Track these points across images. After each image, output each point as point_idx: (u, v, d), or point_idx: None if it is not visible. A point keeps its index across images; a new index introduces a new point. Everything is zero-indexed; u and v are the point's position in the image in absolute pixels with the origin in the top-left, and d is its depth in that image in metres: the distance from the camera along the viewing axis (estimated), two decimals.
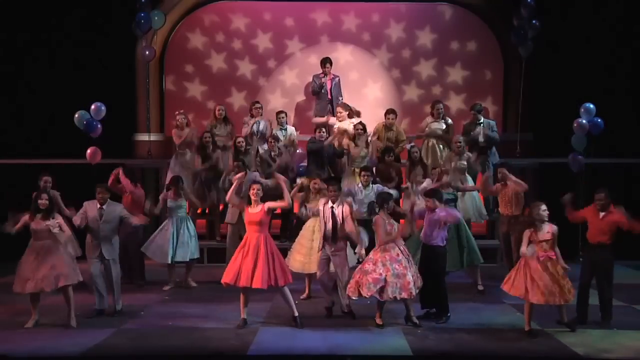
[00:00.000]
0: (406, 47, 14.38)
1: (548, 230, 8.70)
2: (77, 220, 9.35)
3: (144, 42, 13.41)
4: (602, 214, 8.91)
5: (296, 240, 10.31)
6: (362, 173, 11.04)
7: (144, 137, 13.77)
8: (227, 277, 8.84)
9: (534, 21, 12.85)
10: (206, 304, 10.05)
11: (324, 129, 12.26)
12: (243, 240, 8.97)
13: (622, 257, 9.19)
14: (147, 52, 13.36)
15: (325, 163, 12.09)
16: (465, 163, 11.75)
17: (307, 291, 10.33)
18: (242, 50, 14.36)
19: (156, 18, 13.09)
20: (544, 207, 8.73)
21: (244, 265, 8.74)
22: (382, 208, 9.02)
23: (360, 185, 11.00)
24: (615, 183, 12.94)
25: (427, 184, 10.69)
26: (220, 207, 12.37)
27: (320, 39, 14.37)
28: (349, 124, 12.54)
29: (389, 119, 12.56)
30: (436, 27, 14.35)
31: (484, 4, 14.15)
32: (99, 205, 9.37)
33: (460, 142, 11.88)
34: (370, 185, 10.93)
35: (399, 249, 8.93)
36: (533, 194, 12.93)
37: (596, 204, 8.97)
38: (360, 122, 12.33)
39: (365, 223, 9.68)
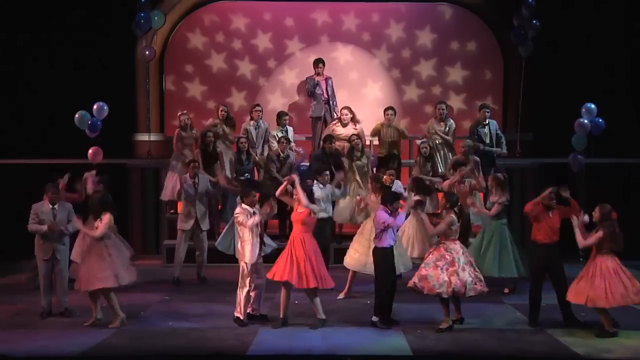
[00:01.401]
0: (406, 47, 14.38)
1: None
2: (33, 228, 9.28)
3: (144, 42, 13.40)
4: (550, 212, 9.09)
5: (355, 239, 10.29)
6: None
7: (144, 137, 13.77)
8: (299, 282, 8.82)
9: (534, 21, 12.85)
10: (206, 304, 10.05)
11: (333, 140, 12.07)
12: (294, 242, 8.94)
13: (622, 257, 9.16)
14: (147, 52, 13.36)
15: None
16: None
17: (346, 288, 10.30)
18: (242, 50, 14.36)
19: (156, 18, 13.09)
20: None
21: (307, 266, 8.80)
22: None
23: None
24: (616, 183, 13.03)
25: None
26: (219, 207, 12.38)
27: (320, 39, 14.37)
28: (351, 129, 12.51)
29: (388, 115, 12.57)
30: (436, 27, 14.34)
31: (484, 4, 14.15)
32: (50, 206, 9.30)
33: (466, 147, 11.90)
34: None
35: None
36: (533, 195, 12.98)
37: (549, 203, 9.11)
38: (354, 134, 12.22)
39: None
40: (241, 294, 9.02)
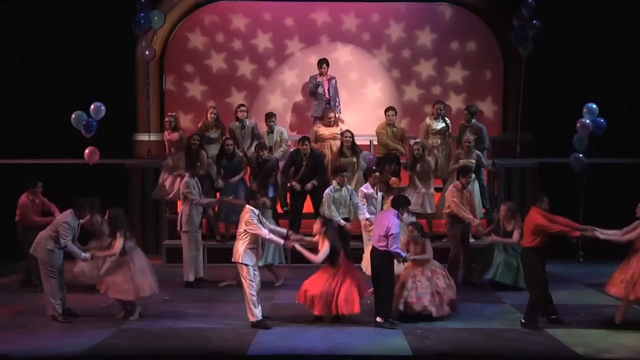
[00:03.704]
0: (406, 47, 14.37)
1: None
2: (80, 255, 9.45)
3: (144, 42, 13.40)
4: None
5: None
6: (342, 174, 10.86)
7: (144, 137, 13.77)
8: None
9: (534, 21, 12.86)
10: (206, 304, 10.05)
11: (307, 142, 12.06)
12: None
13: (622, 256, 9.17)
14: (147, 52, 13.35)
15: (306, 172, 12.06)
16: (474, 161, 11.86)
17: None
18: (242, 50, 14.35)
19: (156, 18, 13.08)
20: None
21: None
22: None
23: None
24: (616, 183, 13.03)
25: (365, 189, 10.78)
26: (216, 209, 12.38)
27: (320, 39, 14.36)
28: (335, 129, 12.62)
29: (389, 115, 12.60)
30: (436, 27, 14.34)
31: (484, 4, 14.14)
32: (79, 221, 9.43)
33: (470, 142, 11.96)
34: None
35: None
36: (533, 195, 12.97)
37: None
38: (348, 130, 12.31)
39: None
40: (252, 296, 8.95)
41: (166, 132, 12.71)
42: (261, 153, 11.95)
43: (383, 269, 8.97)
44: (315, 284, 9.12)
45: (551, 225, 8.76)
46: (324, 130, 12.67)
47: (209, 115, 12.71)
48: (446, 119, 12.82)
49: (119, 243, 9.21)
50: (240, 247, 8.98)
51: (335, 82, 13.43)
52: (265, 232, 8.96)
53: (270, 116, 12.76)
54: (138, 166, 13.33)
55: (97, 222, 10.27)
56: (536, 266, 8.91)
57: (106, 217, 9.49)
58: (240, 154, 12.34)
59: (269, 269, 10.93)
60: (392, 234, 8.82)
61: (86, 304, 9.71)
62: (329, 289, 9.01)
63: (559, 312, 9.11)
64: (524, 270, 9.36)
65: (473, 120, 12.72)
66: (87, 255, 9.36)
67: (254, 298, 8.94)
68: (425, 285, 9.19)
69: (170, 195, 12.62)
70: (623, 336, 8.64)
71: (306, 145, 11.98)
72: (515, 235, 10.13)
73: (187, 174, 11.19)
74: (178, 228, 11.32)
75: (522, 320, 8.99)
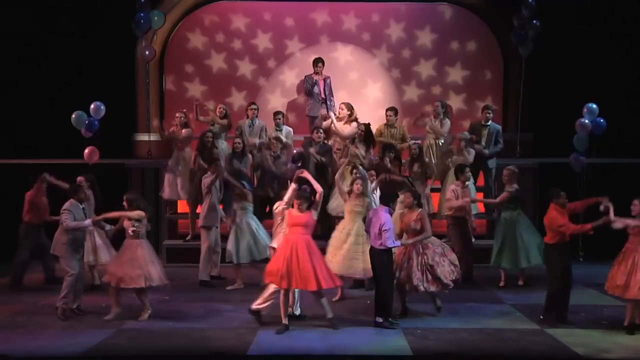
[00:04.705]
0: (406, 47, 14.38)
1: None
2: (72, 224, 9.30)
3: (144, 42, 13.40)
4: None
5: (331, 243, 10.15)
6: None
7: (144, 137, 13.78)
8: (270, 278, 8.84)
9: (534, 21, 12.86)
10: (206, 303, 10.05)
11: (321, 130, 12.23)
12: (284, 242, 8.90)
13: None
14: (147, 52, 13.36)
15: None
16: (471, 159, 11.85)
17: (340, 293, 10.12)
18: (242, 50, 14.37)
19: (156, 18, 13.08)
20: None
21: (292, 267, 8.68)
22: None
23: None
24: (616, 183, 13.01)
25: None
26: (220, 207, 12.35)
27: (320, 39, 14.38)
28: (348, 128, 12.49)
29: (388, 115, 12.61)
30: (436, 27, 14.35)
31: (484, 4, 14.15)
32: (82, 206, 9.46)
33: (462, 139, 11.98)
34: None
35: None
36: (532, 195, 12.99)
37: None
38: (363, 124, 12.30)
39: None
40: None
41: (173, 128, 12.63)
42: (276, 144, 12.07)
43: (382, 268, 8.96)
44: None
45: (567, 229, 8.88)
46: (342, 128, 12.49)
47: (217, 111, 12.79)
48: (446, 119, 12.77)
49: (139, 212, 9.17)
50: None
51: (330, 81, 13.44)
52: (287, 195, 9.30)
53: (277, 114, 12.83)
54: (138, 166, 13.33)
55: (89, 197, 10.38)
56: (553, 262, 9.01)
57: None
58: (250, 155, 12.35)
59: (254, 266, 10.85)
60: (386, 229, 8.82)
61: (86, 304, 9.69)
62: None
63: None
64: (545, 265, 9.42)
65: (490, 121, 12.71)
66: (88, 221, 9.31)
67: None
68: (416, 262, 9.14)
69: (166, 195, 12.62)
70: (623, 336, 8.64)
71: (320, 133, 12.12)
72: (500, 197, 10.82)
73: (209, 172, 11.16)
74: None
75: (541, 317, 9.08)
